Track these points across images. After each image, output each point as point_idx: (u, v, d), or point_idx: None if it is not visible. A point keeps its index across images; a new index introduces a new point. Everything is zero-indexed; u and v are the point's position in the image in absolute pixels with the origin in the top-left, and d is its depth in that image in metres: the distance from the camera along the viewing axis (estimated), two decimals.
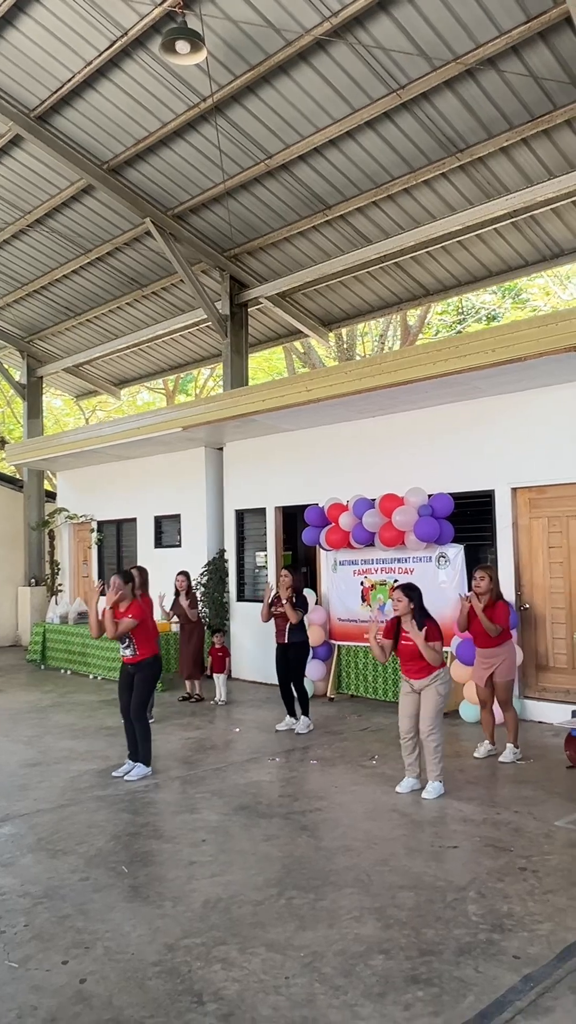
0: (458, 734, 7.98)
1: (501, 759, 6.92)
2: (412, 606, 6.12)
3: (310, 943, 3.78)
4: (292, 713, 8.43)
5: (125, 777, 6.64)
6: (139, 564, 10.70)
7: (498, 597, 7.06)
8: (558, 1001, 3.26)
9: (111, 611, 6.65)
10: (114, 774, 6.74)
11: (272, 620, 8.42)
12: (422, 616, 6.12)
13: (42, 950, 3.78)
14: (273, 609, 8.39)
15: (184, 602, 10.05)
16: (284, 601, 8.24)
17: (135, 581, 7.04)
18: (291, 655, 8.28)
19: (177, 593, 10.16)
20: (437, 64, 8.24)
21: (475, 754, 7.13)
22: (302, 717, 8.33)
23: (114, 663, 11.49)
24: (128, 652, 6.80)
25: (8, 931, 3.98)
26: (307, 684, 8.89)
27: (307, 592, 10.19)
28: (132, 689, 6.80)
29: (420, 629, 6.01)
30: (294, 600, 8.22)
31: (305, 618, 8.37)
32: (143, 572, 8.48)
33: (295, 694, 8.38)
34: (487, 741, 7.17)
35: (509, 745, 6.98)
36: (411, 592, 6.18)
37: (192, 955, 3.69)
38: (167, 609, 10.06)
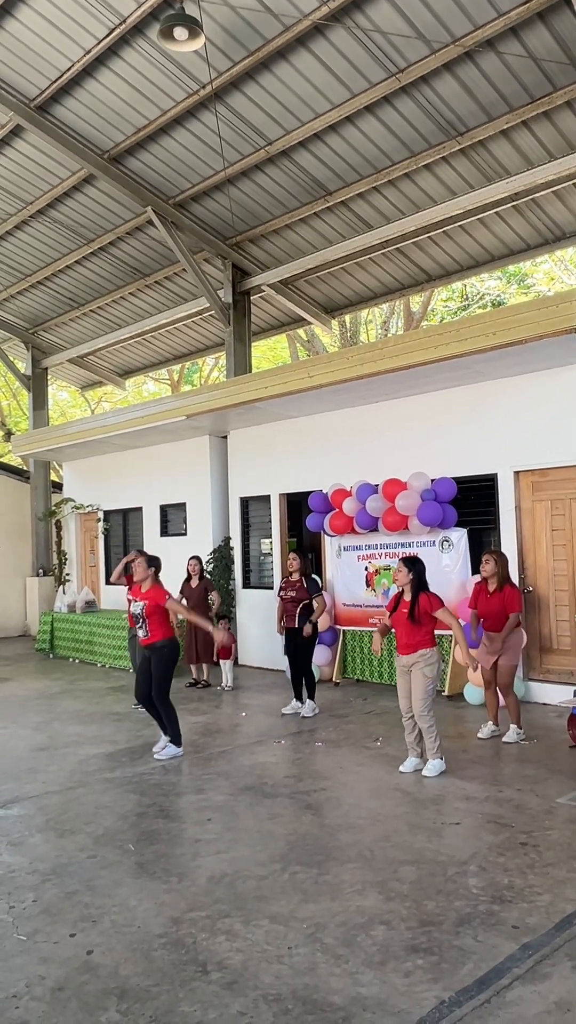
0: (463, 716, 8.04)
1: (505, 739, 6.99)
2: (411, 577, 6.16)
3: (313, 915, 3.85)
4: (299, 697, 8.50)
5: (156, 755, 6.82)
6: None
7: (505, 581, 7.09)
8: (555, 968, 3.32)
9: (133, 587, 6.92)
10: (154, 749, 6.94)
11: (281, 604, 8.51)
12: (420, 588, 6.15)
13: (50, 924, 3.86)
14: (282, 593, 8.47)
15: (194, 584, 10.12)
16: (294, 588, 8.33)
17: (159, 566, 7.18)
18: (300, 639, 8.33)
19: (189, 577, 10.22)
20: (436, 47, 8.22)
21: (479, 735, 7.18)
22: (308, 701, 8.40)
23: (121, 651, 11.59)
24: (142, 633, 6.88)
25: (17, 906, 4.06)
26: (313, 669, 8.97)
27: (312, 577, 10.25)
28: (150, 675, 6.85)
29: (415, 602, 6.08)
30: (307, 586, 8.30)
31: (314, 603, 8.41)
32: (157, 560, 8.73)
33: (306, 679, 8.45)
34: (491, 722, 7.23)
35: (512, 726, 7.04)
36: (412, 565, 6.24)
37: (197, 927, 3.77)
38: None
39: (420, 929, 3.68)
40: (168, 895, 4.13)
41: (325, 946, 3.56)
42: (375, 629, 6.43)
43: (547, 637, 8.62)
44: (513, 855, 4.50)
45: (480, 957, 3.41)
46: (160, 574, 8.28)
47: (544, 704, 8.37)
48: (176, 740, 6.90)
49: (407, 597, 6.19)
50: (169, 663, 6.90)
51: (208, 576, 10.46)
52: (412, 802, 5.49)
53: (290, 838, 4.88)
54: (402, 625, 6.16)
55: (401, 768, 6.22)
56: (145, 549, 12.98)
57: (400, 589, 6.29)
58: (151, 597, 6.83)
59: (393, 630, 6.32)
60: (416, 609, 6.07)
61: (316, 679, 8.64)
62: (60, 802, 5.74)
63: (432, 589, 6.30)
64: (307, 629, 8.21)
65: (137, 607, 6.87)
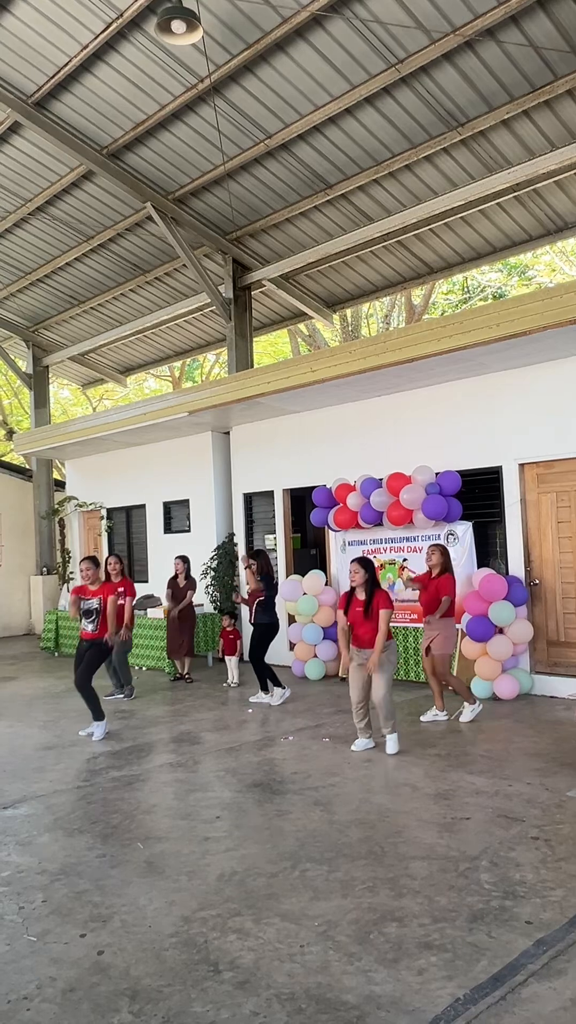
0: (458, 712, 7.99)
1: (462, 719, 7.37)
2: (367, 577, 6.62)
3: (324, 913, 3.82)
4: (264, 688, 8.84)
5: (92, 738, 7.52)
6: (116, 552, 11.30)
7: (445, 570, 7.56)
8: (571, 964, 3.29)
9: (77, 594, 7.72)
10: (80, 732, 7.68)
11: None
12: (373, 587, 6.63)
13: (60, 924, 3.84)
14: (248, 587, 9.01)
15: (180, 583, 10.39)
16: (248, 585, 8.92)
17: (104, 567, 8.11)
18: (255, 634, 8.80)
19: (175, 576, 10.46)
20: (435, 37, 8.15)
21: (422, 719, 7.58)
22: (275, 689, 8.73)
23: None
24: (89, 628, 7.58)
25: (27, 907, 4.04)
26: (312, 666, 9.06)
27: (317, 573, 10.24)
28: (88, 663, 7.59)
29: (371, 599, 6.56)
30: (259, 579, 8.81)
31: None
32: (121, 560, 9.62)
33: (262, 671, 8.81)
34: (434, 707, 7.63)
35: (465, 704, 7.45)
36: (366, 566, 6.69)
37: (208, 926, 3.74)
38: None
39: (433, 926, 3.65)
40: (178, 894, 4.11)
41: (338, 944, 3.53)
42: (340, 645, 6.97)
43: (553, 630, 8.59)
44: (524, 850, 4.48)
45: (494, 954, 3.39)
46: (116, 572, 9.37)
47: (551, 697, 8.33)
48: (99, 717, 7.60)
49: (360, 596, 6.64)
50: (102, 657, 7.78)
51: (193, 578, 10.58)
52: (422, 797, 5.46)
53: (299, 835, 4.85)
54: (359, 621, 6.61)
55: (353, 747, 6.70)
56: (148, 548, 13.08)
57: (352, 588, 6.74)
58: (103, 594, 7.56)
59: (350, 626, 6.72)
60: (372, 606, 6.54)
61: (272, 672, 8.92)
62: (68, 801, 5.72)
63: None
64: (235, 597, 9.42)
65: (91, 604, 7.58)
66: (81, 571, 7.73)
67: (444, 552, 7.69)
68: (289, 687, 9.06)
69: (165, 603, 10.83)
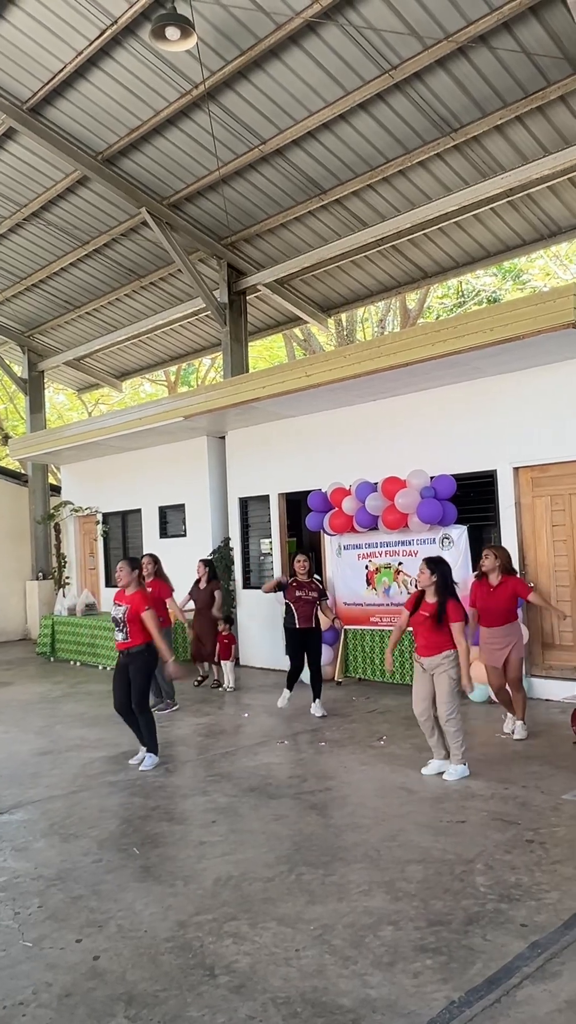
0: (466, 713, 7.99)
1: (515, 736, 6.97)
2: (435, 579, 6.02)
3: (320, 916, 3.83)
4: (290, 688, 8.63)
5: (140, 767, 6.60)
6: (151, 552, 10.73)
7: (507, 572, 7.06)
8: (565, 966, 3.30)
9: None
10: (130, 761, 6.74)
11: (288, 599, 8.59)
12: (446, 593, 6.01)
13: (56, 930, 3.84)
14: (304, 594, 8.48)
15: (202, 586, 10.24)
16: (311, 592, 8.50)
17: (141, 569, 7.12)
18: (315, 639, 8.51)
19: (198, 580, 10.34)
20: (429, 43, 8.20)
21: (505, 729, 7.20)
22: (285, 691, 8.61)
23: None
24: (120, 636, 6.67)
25: (23, 912, 4.04)
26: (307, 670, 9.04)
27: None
28: (128, 683, 6.63)
29: (443, 606, 5.95)
30: (323, 590, 8.57)
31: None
32: (155, 560, 9.05)
33: (308, 677, 8.54)
34: (517, 720, 7.09)
35: (519, 722, 7.03)
36: (435, 566, 6.09)
37: (204, 931, 3.75)
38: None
39: (428, 929, 3.66)
40: (174, 898, 4.11)
41: (333, 948, 3.54)
42: (391, 638, 6.37)
43: (549, 633, 8.61)
44: (520, 853, 4.49)
45: (489, 956, 3.40)
46: (148, 573, 8.46)
47: (547, 700, 8.35)
48: (153, 749, 6.68)
49: (431, 599, 6.04)
50: (148, 669, 6.70)
51: (217, 579, 10.51)
52: (417, 801, 5.47)
53: (295, 839, 4.86)
54: (424, 626, 6.03)
55: (424, 770, 6.09)
56: (149, 551, 13.05)
57: (421, 589, 6.15)
58: (133, 602, 6.62)
59: (411, 629, 6.21)
60: (444, 614, 5.95)
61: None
62: (64, 806, 5.71)
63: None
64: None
65: (119, 611, 6.69)
66: (118, 572, 6.85)
67: (499, 555, 7.04)
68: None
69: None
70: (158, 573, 9.08)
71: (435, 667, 6.00)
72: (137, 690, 6.62)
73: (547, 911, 3.78)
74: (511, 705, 7.13)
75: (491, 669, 7.08)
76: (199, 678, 10.47)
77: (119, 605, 6.72)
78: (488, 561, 7.03)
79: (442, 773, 6.01)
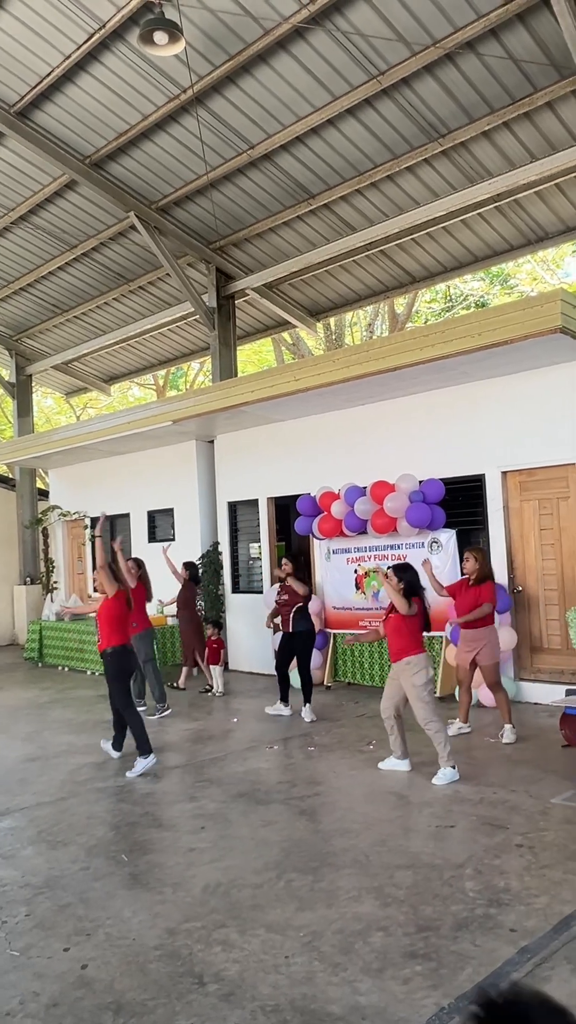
0: (454, 716, 8.00)
1: (504, 740, 6.97)
2: (402, 586, 6.12)
3: (309, 923, 3.82)
4: (285, 699, 8.51)
5: (129, 773, 6.52)
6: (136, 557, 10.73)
7: (486, 577, 7.11)
8: (554, 971, 3.30)
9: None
10: (128, 774, 6.52)
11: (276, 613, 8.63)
12: (411, 594, 6.12)
13: (43, 938, 3.81)
14: (277, 598, 8.54)
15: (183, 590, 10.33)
16: (282, 595, 8.45)
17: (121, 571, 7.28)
18: (296, 643, 8.40)
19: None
20: (416, 49, 8.23)
21: (449, 732, 7.20)
22: (279, 703, 8.50)
23: None
24: (97, 639, 6.94)
25: (10, 921, 4.00)
26: (296, 675, 8.96)
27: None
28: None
29: (409, 603, 6.05)
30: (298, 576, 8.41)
31: (308, 607, 8.50)
32: (139, 564, 9.02)
33: (298, 681, 8.49)
34: (458, 720, 7.33)
35: (507, 726, 7.04)
36: (402, 572, 6.21)
37: (192, 938, 3.73)
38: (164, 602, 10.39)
39: (418, 935, 3.66)
40: (162, 906, 4.09)
41: (322, 954, 3.52)
42: (364, 637, 6.59)
43: (537, 636, 8.63)
44: (509, 857, 4.49)
45: (479, 962, 3.39)
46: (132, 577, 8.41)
47: (535, 704, 8.37)
48: (142, 749, 6.62)
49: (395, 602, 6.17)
50: (119, 671, 6.77)
51: (195, 582, 10.53)
52: (406, 805, 5.47)
53: (284, 845, 4.84)
54: (391, 632, 6.17)
55: (380, 765, 6.31)
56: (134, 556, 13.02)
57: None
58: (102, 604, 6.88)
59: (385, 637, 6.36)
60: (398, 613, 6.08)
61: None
62: (52, 813, 5.68)
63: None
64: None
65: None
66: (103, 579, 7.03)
67: (479, 558, 7.14)
68: (276, 695, 8.81)
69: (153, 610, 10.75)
70: (141, 578, 9.03)
71: (400, 673, 6.12)
72: (114, 692, 6.78)
73: (536, 916, 3.78)
74: (466, 709, 7.34)
75: (457, 666, 7.30)
76: (207, 687, 10.45)
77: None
78: (468, 564, 7.17)
79: (396, 770, 6.20)
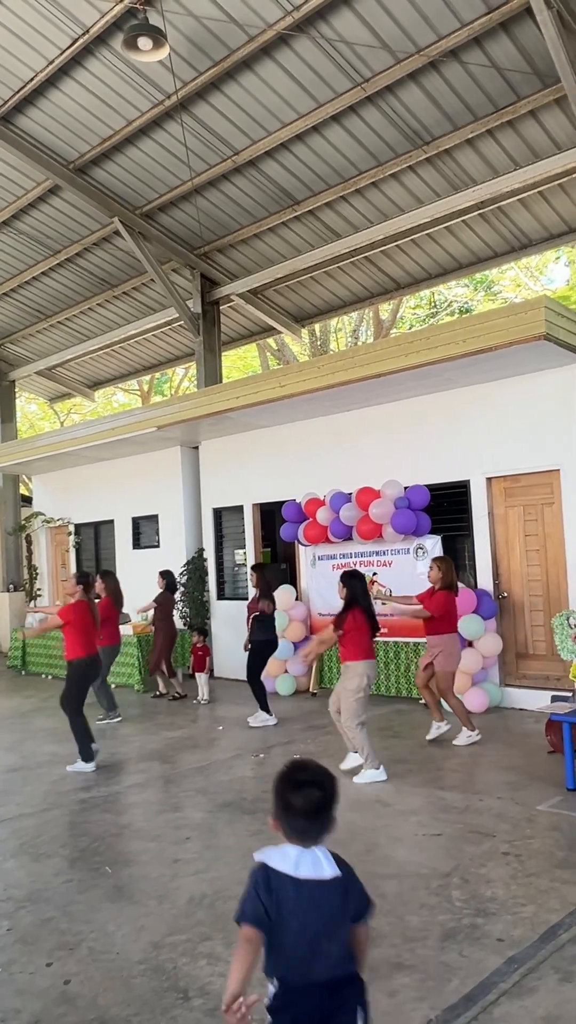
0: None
1: (455, 742, 7.12)
2: (346, 593, 6.38)
3: None
4: (265, 708, 8.53)
5: (71, 768, 6.97)
6: (106, 569, 10.86)
7: (450, 587, 7.30)
8: (542, 981, 3.28)
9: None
10: (68, 768, 7.00)
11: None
12: (351, 604, 6.32)
13: (25, 953, 3.75)
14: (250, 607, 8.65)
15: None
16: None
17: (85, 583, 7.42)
18: (257, 652, 8.54)
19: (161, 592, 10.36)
20: (400, 57, 8.26)
21: (427, 737, 7.38)
22: (259, 712, 8.48)
23: None
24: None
25: None
26: (282, 682, 9.00)
27: (287, 588, 10.24)
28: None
29: (342, 615, 6.29)
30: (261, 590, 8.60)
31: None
32: (105, 577, 9.06)
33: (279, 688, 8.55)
34: (434, 721, 7.42)
35: (464, 728, 7.19)
36: (347, 580, 6.44)
37: (177, 952, 3.68)
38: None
39: (404, 946, 3.63)
40: (147, 919, 4.04)
41: None
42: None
43: (522, 643, 8.64)
44: (495, 865, 4.47)
45: (466, 973, 3.37)
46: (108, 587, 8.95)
47: (521, 710, 8.38)
48: (84, 756, 6.96)
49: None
50: (80, 679, 7.17)
51: (168, 590, 10.52)
52: (392, 814, 5.45)
53: None
54: (340, 637, 6.38)
55: (341, 766, 6.39)
56: (117, 563, 12.97)
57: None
58: (60, 613, 7.18)
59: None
60: (341, 622, 6.30)
61: (271, 691, 8.73)
62: (35, 824, 5.61)
63: (409, 594, 6.46)
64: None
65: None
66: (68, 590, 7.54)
67: (442, 567, 7.33)
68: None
69: (137, 619, 10.77)
70: (112, 592, 9.10)
71: (342, 675, 6.42)
72: (69, 697, 7.09)
73: (523, 925, 3.76)
74: (434, 709, 7.47)
75: (418, 670, 7.55)
76: (158, 693, 10.48)
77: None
78: (432, 573, 7.36)
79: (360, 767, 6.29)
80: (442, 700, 7.39)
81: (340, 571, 7.54)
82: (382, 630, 9.27)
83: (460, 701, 7.35)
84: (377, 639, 9.40)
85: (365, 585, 6.49)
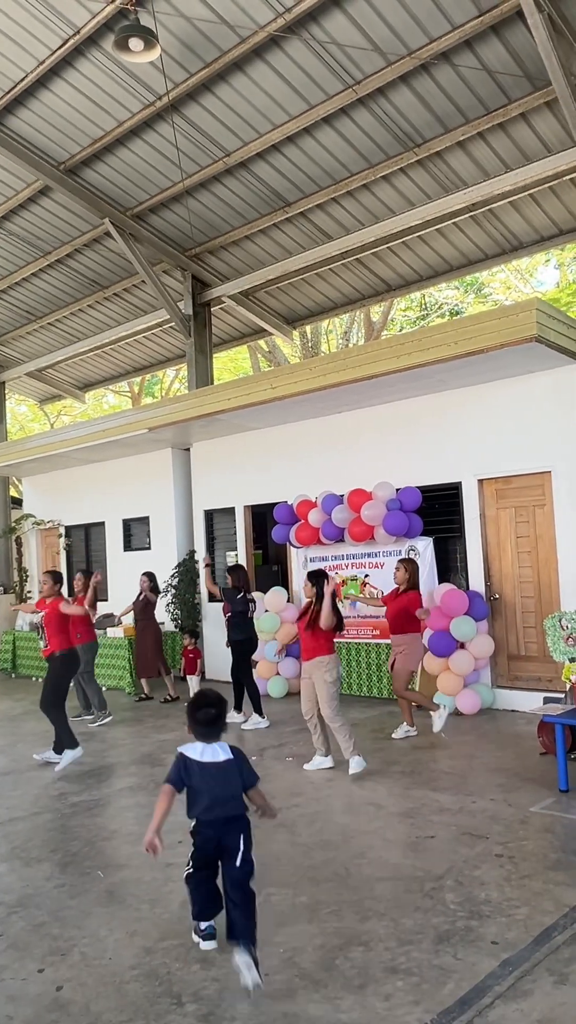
0: (431, 725, 7.98)
1: (435, 728, 7.24)
2: (315, 590, 6.58)
3: (289, 939, 3.76)
4: (237, 707, 8.53)
5: (55, 766, 7.04)
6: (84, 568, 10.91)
7: (413, 587, 7.55)
8: (536, 984, 3.28)
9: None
10: (34, 756, 7.32)
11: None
12: (320, 601, 6.57)
13: (17, 959, 3.71)
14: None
15: (142, 600, 10.32)
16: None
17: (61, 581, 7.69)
18: (234, 652, 8.59)
19: (141, 593, 10.35)
20: (392, 59, 8.27)
21: (393, 735, 7.56)
22: (253, 715, 8.43)
23: None
24: (41, 644, 7.31)
25: None
26: (274, 684, 8.94)
27: (278, 590, 10.21)
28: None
29: (317, 613, 6.53)
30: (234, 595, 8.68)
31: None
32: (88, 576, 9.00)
33: (244, 690, 8.57)
34: (432, 714, 7.46)
35: (404, 725, 7.51)
36: (316, 579, 6.65)
37: (170, 956, 3.66)
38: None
39: (399, 949, 3.61)
40: (140, 923, 4.01)
41: (303, 971, 3.47)
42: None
43: (514, 644, 8.65)
44: (489, 867, 4.46)
45: (461, 976, 3.36)
46: (79, 588, 9.11)
47: (513, 711, 8.38)
48: (67, 746, 7.08)
49: (315, 608, 6.61)
50: (64, 673, 7.30)
51: (165, 592, 10.51)
52: (386, 816, 5.43)
53: (263, 858, 4.74)
54: (303, 633, 6.64)
55: (306, 766, 6.63)
56: (108, 565, 12.93)
57: (308, 600, 6.73)
58: (49, 607, 7.23)
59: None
60: (316, 620, 6.50)
61: (264, 693, 8.76)
62: (25, 829, 5.57)
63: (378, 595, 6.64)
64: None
65: (37, 617, 7.44)
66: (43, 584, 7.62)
67: (409, 568, 7.63)
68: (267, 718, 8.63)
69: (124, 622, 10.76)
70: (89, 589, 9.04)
71: (311, 671, 6.57)
72: (48, 690, 7.18)
73: (517, 927, 3.76)
74: (408, 710, 7.61)
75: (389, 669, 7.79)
76: (142, 695, 10.44)
77: (37, 612, 7.44)
78: (399, 574, 7.59)
79: (327, 768, 6.57)
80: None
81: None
82: (374, 632, 9.34)
83: (408, 701, 7.61)
84: (369, 641, 9.46)
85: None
